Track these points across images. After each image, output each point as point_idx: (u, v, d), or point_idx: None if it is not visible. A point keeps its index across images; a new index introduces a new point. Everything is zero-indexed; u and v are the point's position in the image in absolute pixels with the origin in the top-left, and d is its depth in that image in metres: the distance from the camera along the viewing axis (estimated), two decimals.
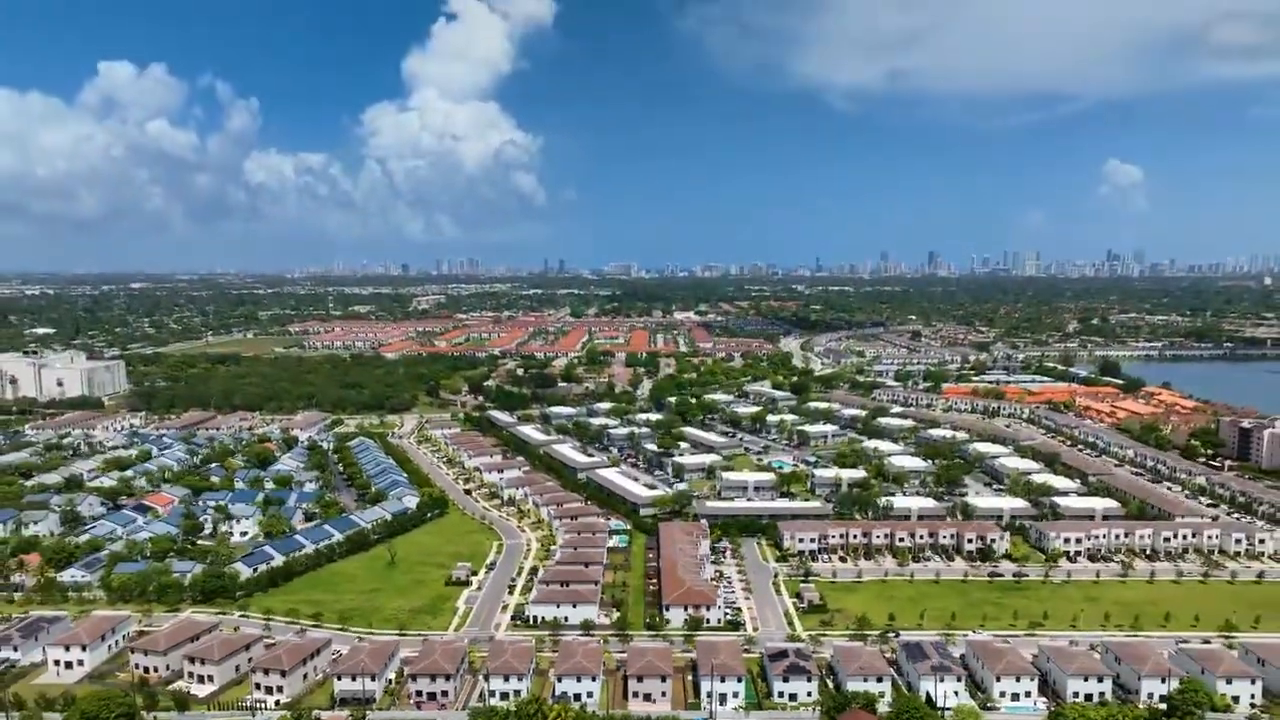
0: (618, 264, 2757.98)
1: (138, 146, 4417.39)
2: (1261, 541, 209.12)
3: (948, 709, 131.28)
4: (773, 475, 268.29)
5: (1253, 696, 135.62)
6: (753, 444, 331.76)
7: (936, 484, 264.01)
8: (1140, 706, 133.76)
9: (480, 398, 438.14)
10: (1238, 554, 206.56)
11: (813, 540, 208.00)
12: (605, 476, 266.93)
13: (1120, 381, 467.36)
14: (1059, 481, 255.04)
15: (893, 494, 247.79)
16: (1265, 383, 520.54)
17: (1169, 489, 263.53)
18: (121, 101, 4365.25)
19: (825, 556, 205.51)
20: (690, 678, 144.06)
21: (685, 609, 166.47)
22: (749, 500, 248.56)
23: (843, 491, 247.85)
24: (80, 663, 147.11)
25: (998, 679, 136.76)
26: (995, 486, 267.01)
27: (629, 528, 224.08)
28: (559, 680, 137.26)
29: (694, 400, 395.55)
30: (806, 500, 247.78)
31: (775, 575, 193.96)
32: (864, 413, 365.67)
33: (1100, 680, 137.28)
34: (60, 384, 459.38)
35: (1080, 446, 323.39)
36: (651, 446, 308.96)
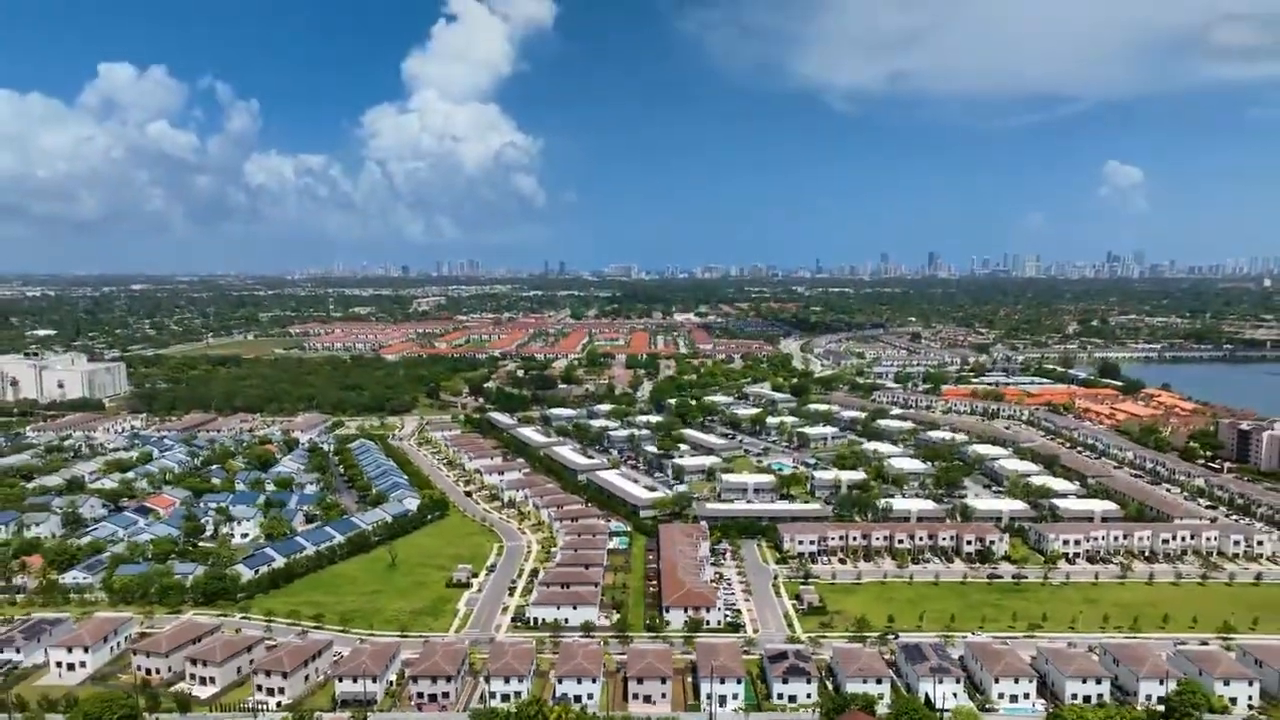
0: (618, 265, 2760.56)
1: (138, 148, 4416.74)
2: (1260, 543, 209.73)
3: (946, 710, 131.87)
4: (772, 477, 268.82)
5: (1250, 698, 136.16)
6: (752, 446, 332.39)
7: (936, 486, 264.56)
8: (1138, 708, 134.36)
9: (481, 399, 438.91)
10: (1236, 556, 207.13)
11: (812, 542, 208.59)
12: (605, 478, 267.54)
13: (1120, 383, 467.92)
14: (1058, 483, 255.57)
15: (892, 496, 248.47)
16: (1265, 384, 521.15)
17: (1168, 491, 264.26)
18: (122, 103, 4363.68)
19: (825, 558, 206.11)
20: (690, 679, 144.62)
21: (685, 611, 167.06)
22: (749, 502, 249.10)
23: (842, 493, 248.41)
24: (82, 664, 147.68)
25: (996, 680, 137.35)
26: (994, 488, 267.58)
27: (629, 529, 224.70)
28: (559, 682, 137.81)
29: (694, 402, 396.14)
30: (806, 502, 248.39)
31: (775, 577, 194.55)
32: (864, 415, 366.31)
33: (1098, 682, 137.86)
34: (61, 386, 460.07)
35: (1079, 448, 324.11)
36: (651, 448, 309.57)
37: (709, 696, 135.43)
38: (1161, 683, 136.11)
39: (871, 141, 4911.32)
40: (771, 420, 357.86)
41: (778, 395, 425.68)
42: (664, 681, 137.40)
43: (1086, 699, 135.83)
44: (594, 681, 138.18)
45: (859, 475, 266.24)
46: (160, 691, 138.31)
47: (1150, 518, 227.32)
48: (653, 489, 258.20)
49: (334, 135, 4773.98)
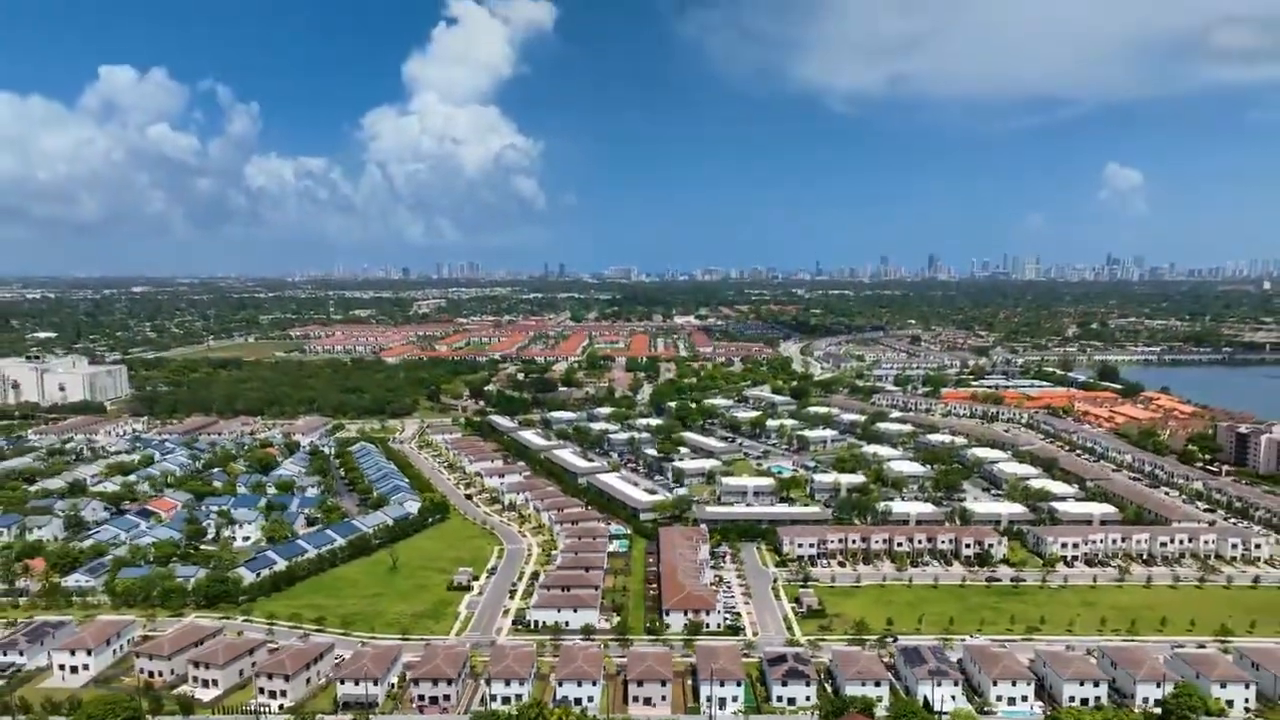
0: (618, 268, 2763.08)
1: (138, 150, 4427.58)
2: (1257, 546, 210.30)
3: (945, 713, 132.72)
4: (772, 480, 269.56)
5: (1247, 700, 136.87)
6: (752, 449, 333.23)
7: (935, 489, 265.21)
8: (1135, 710, 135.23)
9: (481, 402, 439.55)
10: (1234, 559, 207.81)
11: (812, 545, 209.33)
12: (606, 481, 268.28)
13: (1119, 386, 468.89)
14: (1057, 487, 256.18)
15: (891, 499, 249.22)
16: (1263, 387, 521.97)
17: (1166, 494, 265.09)
18: (122, 105, 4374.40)
19: (824, 561, 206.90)
20: (690, 682, 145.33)
21: (685, 614, 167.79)
22: (748, 505, 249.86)
23: (842, 496, 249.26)
24: (85, 667, 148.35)
25: (994, 683, 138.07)
26: (993, 491, 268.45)
27: (629, 533, 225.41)
28: (560, 684, 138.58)
29: (694, 405, 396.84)
30: (806, 505, 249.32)
31: (774, 580, 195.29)
32: (863, 418, 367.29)
33: (1096, 684, 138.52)
34: (62, 389, 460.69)
35: (1078, 451, 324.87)
36: (651, 451, 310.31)
37: (709, 699, 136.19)
38: (1159, 685, 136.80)
39: (871, 144, 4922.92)
40: (771, 423, 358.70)
41: (777, 398, 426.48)
42: (664, 684, 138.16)
43: (1084, 701, 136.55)
44: (594, 684, 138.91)
45: (858, 478, 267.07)
46: (163, 694, 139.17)
47: (1148, 521, 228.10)
48: (653, 492, 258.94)
49: (334, 138, 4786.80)
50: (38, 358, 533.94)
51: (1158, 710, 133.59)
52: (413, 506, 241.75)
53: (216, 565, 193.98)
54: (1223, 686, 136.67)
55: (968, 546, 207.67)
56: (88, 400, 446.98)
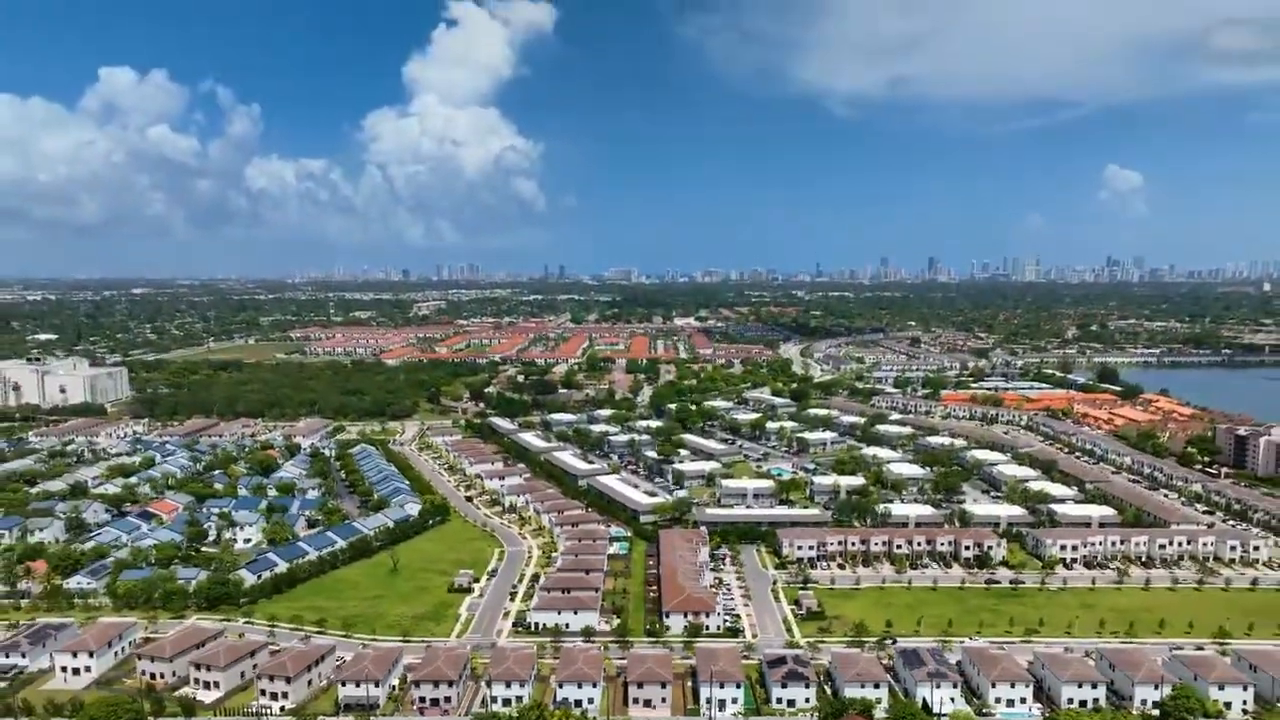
0: (618, 269, 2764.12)
1: (139, 152, 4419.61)
2: (1256, 548, 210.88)
3: (944, 715, 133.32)
4: (772, 482, 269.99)
5: (1244, 703, 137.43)
6: (752, 451, 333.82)
7: (935, 491, 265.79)
8: (1134, 712, 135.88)
9: (481, 404, 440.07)
10: (1232, 561, 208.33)
11: (811, 547, 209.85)
12: (606, 484, 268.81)
13: (1118, 388, 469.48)
14: (1056, 489, 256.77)
15: (891, 501, 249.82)
16: (1262, 390, 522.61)
17: (1165, 496, 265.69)
18: (123, 107, 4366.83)
19: (824, 563, 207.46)
20: (690, 684, 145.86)
21: (685, 616, 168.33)
22: (748, 507, 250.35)
23: (841, 499, 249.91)
24: (87, 669, 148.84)
25: (993, 685, 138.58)
26: (993, 494, 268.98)
27: (629, 535, 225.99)
28: (560, 686, 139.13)
29: (694, 407, 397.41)
30: (805, 507, 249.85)
31: (774, 582, 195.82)
32: (863, 420, 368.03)
33: (1094, 686, 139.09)
34: (63, 391, 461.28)
35: (1078, 454, 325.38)
36: (652, 453, 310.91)
37: (708, 701, 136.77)
38: (1157, 687, 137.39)
39: (872, 146, 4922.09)
40: (771, 425, 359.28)
41: (777, 400, 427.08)
42: (664, 686, 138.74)
43: (1082, 703, 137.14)
44: (594, 686, 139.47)
45: (858, 480, 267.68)
46: (165, 696, 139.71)
47: (1147, 523, 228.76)
48: (653, 494, 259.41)
49: (335, 139, 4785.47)
50: (38, 360, 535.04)
51: (1156, 712, 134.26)
52: (413, 509, 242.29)
53: (218, 567, 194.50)
54: (1220, 688, 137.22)
55: (967, 549, 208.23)
56: (88, 402, 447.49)
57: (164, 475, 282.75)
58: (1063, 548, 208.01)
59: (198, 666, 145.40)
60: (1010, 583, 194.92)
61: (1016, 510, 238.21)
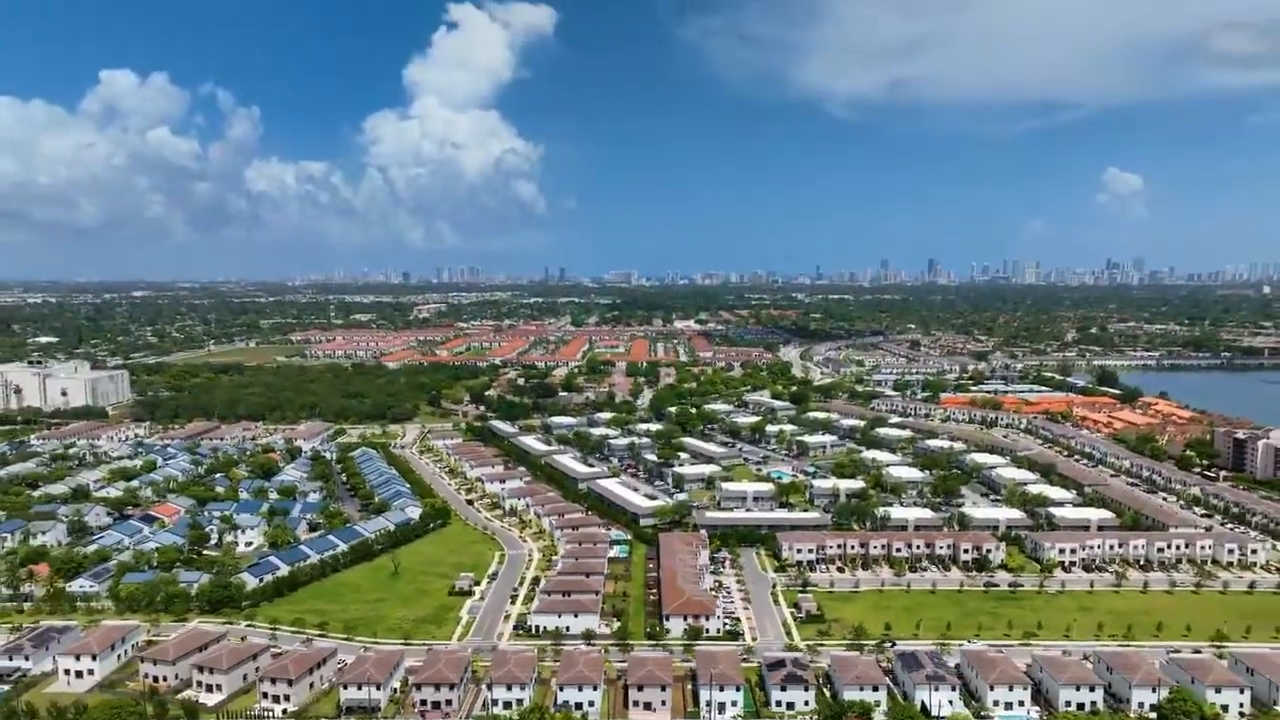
0: (618, 272, 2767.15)
1: (139, 154, 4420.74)
2: (1254, 552, 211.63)
3: (942, 718, 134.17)
4: (771, 486, 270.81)
5: (1242, 705, 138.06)
6: (752, 454, 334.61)
7: (934, 494, 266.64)
8: (1131, 715, 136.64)
9: (482, 407, 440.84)
10: (1230, 564, 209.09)
11: (811, 550, 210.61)
12: (606, 487, 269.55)
13: (1117, 391, 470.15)
14: (1055, 492, 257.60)
15: (890, 504, 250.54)
16: (1261, 393, 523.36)
17: (1164, 500, 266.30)
18: (123, 110, 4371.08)
19: (823, 567, 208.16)
20: (690, 687, 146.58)
21: (685, 619, 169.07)
22: (748, 511, 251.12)
23: (841, 502, 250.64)
24: (90, 672, 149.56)
25: (991, 688, 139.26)
26: (992, 497, 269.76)
27: (629, 538, 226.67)
28: (561, 689, 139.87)
29: (694, 410, 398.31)
30: (805, 511, 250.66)
31: (773, 585, 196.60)
32: (862, 423, 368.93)
33: (1092, 689, 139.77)
34: (65, 394, 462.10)
35: (1076, 457, 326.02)
36: (652, 457, 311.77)
37: (708, 704, 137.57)
38: (1154, 690, 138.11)
39: (872, 148, 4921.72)
40: (771, 428, 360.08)
41: (777, 403, 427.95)
42: (664, 689, 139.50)
43: (1080, 706, 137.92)
44: (595, 689, 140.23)
45: (857, 484, 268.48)
46: (167, 698, 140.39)
47: (1146, 526, 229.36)
48: (653, 497, 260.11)
49: (335, 142, 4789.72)
50: (40, 363, 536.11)
51: (1153, 715, 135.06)
52: (414, 512, 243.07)
53: (219, 570, 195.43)
54: (1217, 691, 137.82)
55: (966, 552, 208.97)
56: (90, 405, 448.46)
57: (165, 478, 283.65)
58: (1061, 551, 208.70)
59: (200, 669, 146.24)
60: (1009, 586, 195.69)
61: (1015, 513, 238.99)
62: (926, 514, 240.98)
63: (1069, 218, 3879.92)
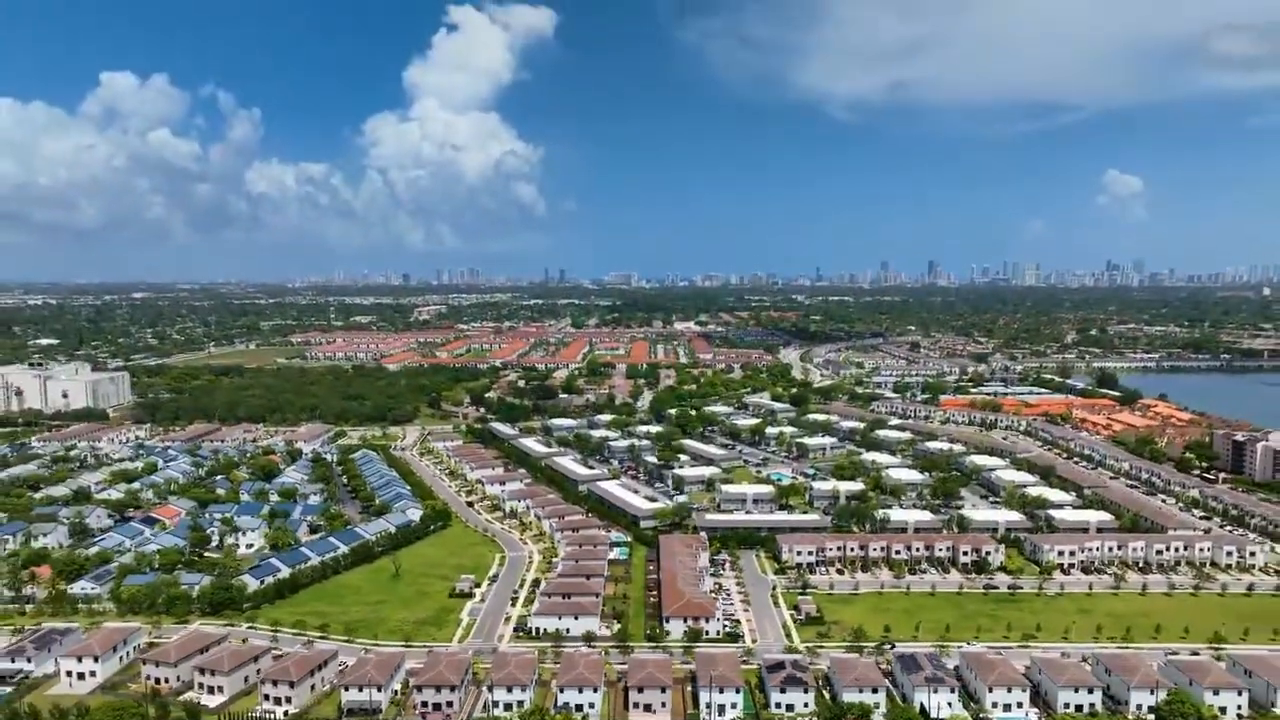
0: (618, 274, 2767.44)
1: (139, 156, 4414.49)
2: (1252, 554, 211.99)
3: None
4: (771, 488, 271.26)
5: (1240, 707, 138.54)
6: (752, 456, 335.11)
7: (933, 496, 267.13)
8: (1129, 717, 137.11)
9: (482, 409, 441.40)
10: (1229, 566, 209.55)
11: (810, 553, 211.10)
12: (606, 489, 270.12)
13: (1117, 393, 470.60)
14: (1054, 494, 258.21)
15: (890, 506, 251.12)
16: (1261, 395, 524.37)
17: (1163, 502, 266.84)
18: (123, 111, 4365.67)
19: (823, 569, 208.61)
20: (690, 689, 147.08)
21: (685, 621, 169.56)
22: (748, 513, 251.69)
23: (840, 504, 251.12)
24: (92, 674, 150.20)
25: (990, 690, 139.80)
26: (991, 499, 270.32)
27: (630, 540, 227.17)
28: (561, 691, 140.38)
29: (694, 412, 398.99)
30: (805, 513, 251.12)
31: (773, 587, 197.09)
32: (862, 425, 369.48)
33: (1090, 691, 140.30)
34: (65, 396, 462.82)
35: (1076, 459, 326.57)
36: (652, 459, 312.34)
37: (708, 706, 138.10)
38: (1152, 692, 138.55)
39: (872, 150, 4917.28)
40: (771, 430, 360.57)
41: (777, 405, 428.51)
42: (664, 691, 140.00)
43: (1079, 708, 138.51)
44: (595, 691, 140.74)
45: (857, 486, 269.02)
46: (169, 700, 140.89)
47: (1145, 528, 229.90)
48: (653, 499, 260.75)
49: (335, 144, 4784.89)
50: (40, 364, 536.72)
51: (1151, 717, 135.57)
52: (414, 514, 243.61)
53: (221, 572, 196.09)
54: (1216, 693, 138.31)
55: (965, 554, 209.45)
56: (90, 407, 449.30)
57: (166, 480, 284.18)
58: (1060, 553, 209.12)
59: (202, 671, 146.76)
60: (1008, 588, 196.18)
61: (1014, 515, 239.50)
62: (926, 516, 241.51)
63: (1069, 219, 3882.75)
